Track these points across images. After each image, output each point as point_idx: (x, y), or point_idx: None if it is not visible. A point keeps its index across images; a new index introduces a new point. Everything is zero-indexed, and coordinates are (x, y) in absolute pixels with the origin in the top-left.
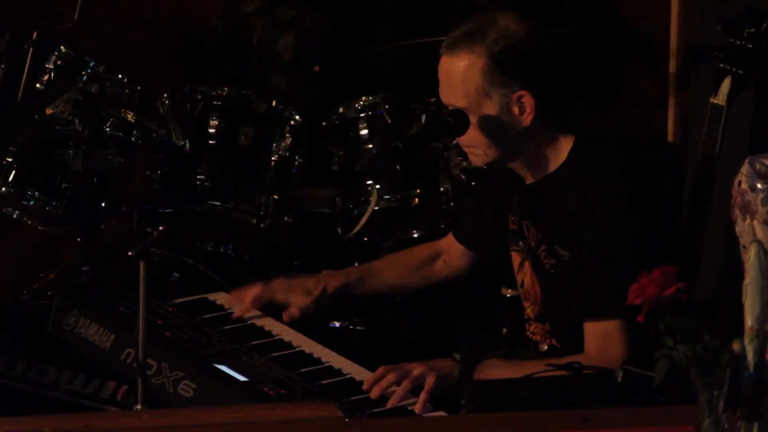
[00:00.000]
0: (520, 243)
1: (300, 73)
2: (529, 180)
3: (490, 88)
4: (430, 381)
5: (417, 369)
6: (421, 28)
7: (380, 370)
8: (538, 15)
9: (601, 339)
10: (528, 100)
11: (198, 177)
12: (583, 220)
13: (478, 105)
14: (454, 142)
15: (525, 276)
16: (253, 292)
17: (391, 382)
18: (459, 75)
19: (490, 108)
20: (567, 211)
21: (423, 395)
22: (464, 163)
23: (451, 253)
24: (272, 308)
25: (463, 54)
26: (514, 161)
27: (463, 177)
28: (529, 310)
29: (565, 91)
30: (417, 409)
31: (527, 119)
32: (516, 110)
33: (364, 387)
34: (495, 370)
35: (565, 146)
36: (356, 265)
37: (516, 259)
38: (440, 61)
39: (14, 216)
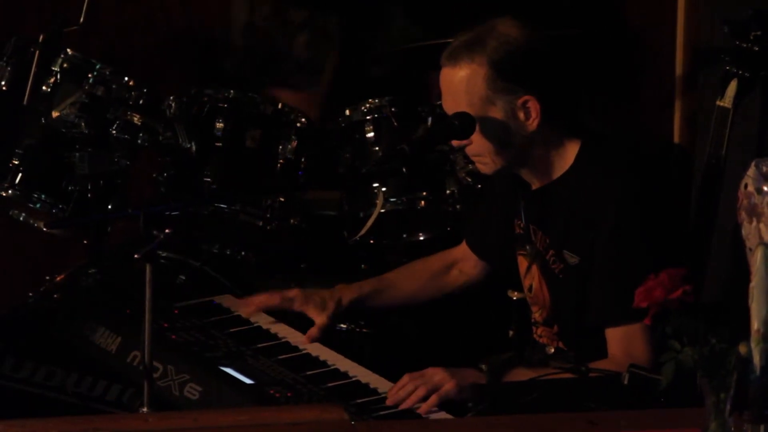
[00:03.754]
0: (527, 247)
1: (315, 75)
2: (536, 185)
3: (494, 96)
4: (446, 387)
5: (438, 376)
6: (432, 29)
7: (404, 378)
8: (542, 18)
9: (626, 342)
10: (533, 105)
11: (204, 179)
12: (593, 224)
13: (483, 113)
14: (461, 146)
15: (533, 280)
16: (270, 302)
17: (420, 396)
18: (462, 85)
19: (496, 115)
20: (575, 215)
21: (433, 398)
22: (470, 166)
23: (466, 261)
24: (281, 312)
25: (464, 63)
26: (522, 167)
27: (470, 180)
28: (537, 314)
29: (570, 94)
30: (421, 411)
31: (533, 124)
32: (521, 116)
33: (388, 402)
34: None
35: (571, 150)
36: (363, 268)
37: (522, 263)
38: (441, 72)
39: (21, 218)
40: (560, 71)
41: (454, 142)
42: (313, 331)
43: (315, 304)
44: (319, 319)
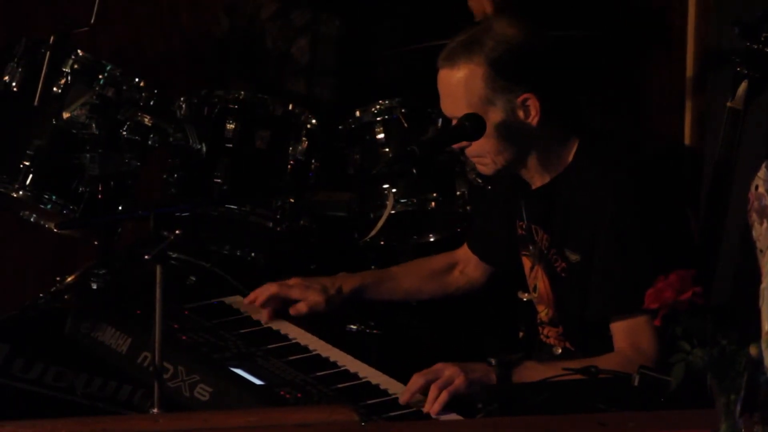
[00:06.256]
0: (530, 247)
1: (316, 77)
2: (536, 184)
3: (493, 95)
4: (457, 383)
5: (448, 371)
6: (434, 30)
7: (414, 378)
8: (551, 19)
9: (631, 335)
10: (533, 103)
11: (214, 180)
12: (593, 221)
13: (483, 113)
14: (461, 147)
15: (537, 280)
16: (268, 291)
17: (434, 397)
18: (461, 86)
19: (496, 115)
20: (576, 213)
21: (444, 395)
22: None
23: (467, 263)
24: (288, 312)
25: (462, 64)
26: (523, 166)
27: (480, 181)
28: (542, 314)
29: (568, 91)
30: (433, 410)
31: (533, 121)
32: (521, 114)
33: (401, 401)
34: (533, 373)
35: (571, 148)
36: (372, 269)
37: (527, 264)
38: (439, 74)
39: (31, 219)
40: (559, 68)
41: (454, 145)
42: (301, 306)
43: (315, 290)
44: (315, 297)
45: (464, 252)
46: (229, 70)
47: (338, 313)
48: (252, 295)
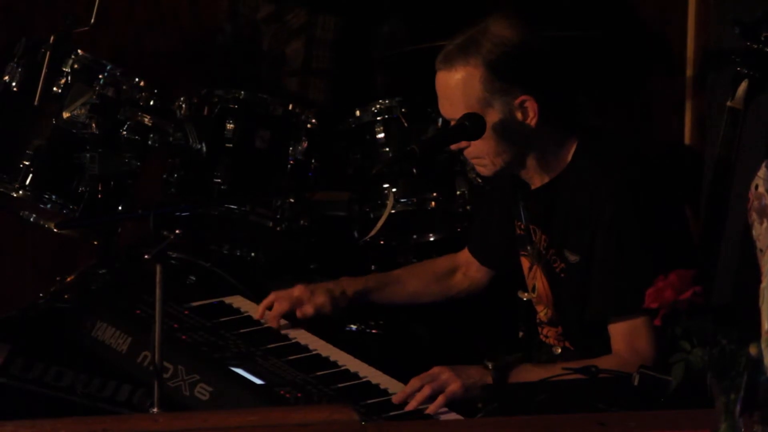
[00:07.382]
0: (529, 248)
1: (311, 79)
2: (535, 185)
3: (491, 97)
4: (453, 387)
5: (444, 374)
6: (432, 31)
7: (412, 381)
8: (551, 19)
9: (629, 337)
10: (531, 104)
11: (214, 180)
12: (592, 221)
13: (481, 115)
14: (459, 148)
15: (536, 280)
16: (279, 312)
17: (426, 395)
18: (459, 88)
19: (494, 117)
20: (575, 213)
21: (440, 399)
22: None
23: (469, 266)
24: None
25: (459, 66)
26: (521, 167)
27: (480, 180)
28: (542, 314)
29: (566, 92)
30: (430, 410)
31: (532, 123)
32: (519, 115)
33: (395, 400)
34: (530, 375)
35: (569, 148)
36: (373, 268)
37: (525, 264)
38: (437, 76)
39: (31, 219)
40: (556, 69)
41: (453, 146)
42: (307, 308)
43: (319, 293)
44: (320, 299)
45: (466, 255)
46: (226, 73)
47: (342, 316)
48: (262, 314)
